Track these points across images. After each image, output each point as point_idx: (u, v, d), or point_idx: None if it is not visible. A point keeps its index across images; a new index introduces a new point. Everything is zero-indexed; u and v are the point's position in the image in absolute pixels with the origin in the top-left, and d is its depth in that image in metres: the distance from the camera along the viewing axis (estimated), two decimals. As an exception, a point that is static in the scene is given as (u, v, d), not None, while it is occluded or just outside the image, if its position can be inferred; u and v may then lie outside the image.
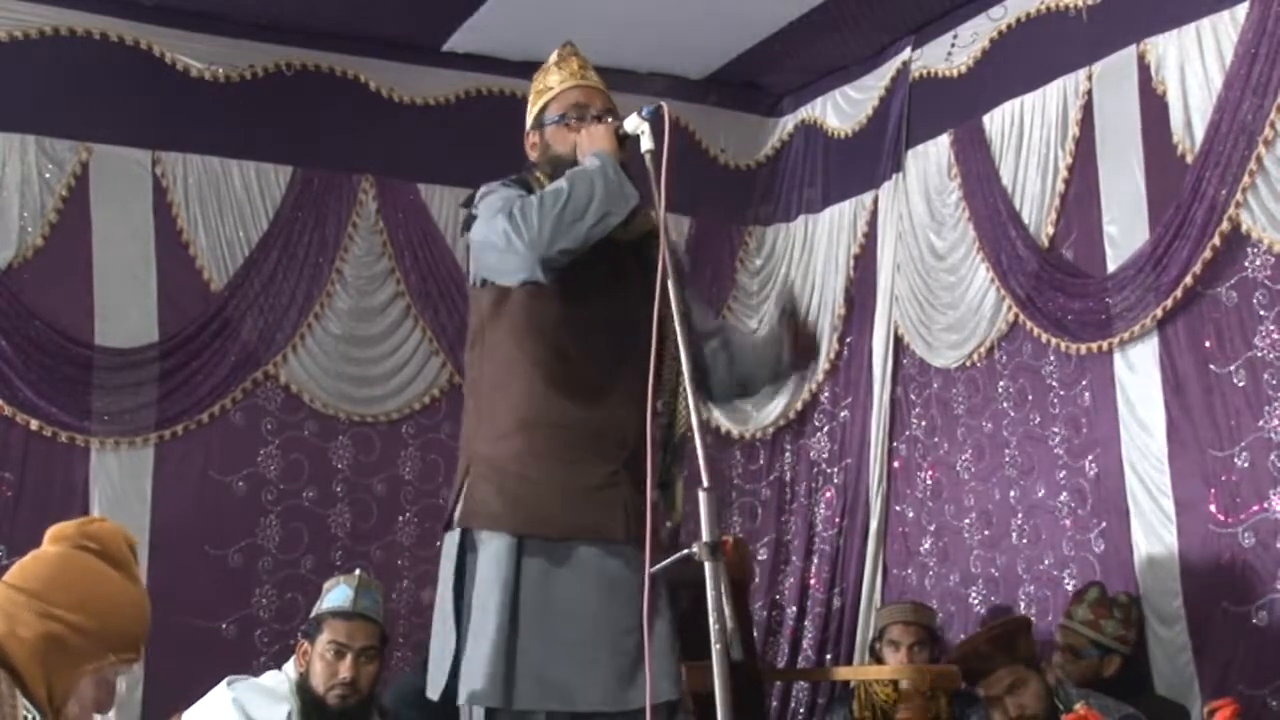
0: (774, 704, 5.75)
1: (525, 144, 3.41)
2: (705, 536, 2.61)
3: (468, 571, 3.17)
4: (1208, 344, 4.43)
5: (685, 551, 2.63)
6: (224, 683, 3.84)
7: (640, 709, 2.93)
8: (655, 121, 3.01)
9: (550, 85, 3.36)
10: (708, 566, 2.59)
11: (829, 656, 5.79)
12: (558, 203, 3.00)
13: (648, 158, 2.99)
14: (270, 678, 3.94)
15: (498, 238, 3.05)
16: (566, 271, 3.06)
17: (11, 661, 2.16)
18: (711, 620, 2.57)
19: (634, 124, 3.07)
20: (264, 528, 5.47)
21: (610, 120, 3.21)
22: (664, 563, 2.71)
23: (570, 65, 3.37)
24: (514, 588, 3.08)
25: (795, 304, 3.50)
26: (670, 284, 2.84)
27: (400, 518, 5.69)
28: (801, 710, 5.76)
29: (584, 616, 3.10)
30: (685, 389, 3.02)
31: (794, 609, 5.96)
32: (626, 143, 3.12)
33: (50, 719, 2.21)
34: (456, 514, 3.23)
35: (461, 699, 3.10)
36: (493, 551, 3.13)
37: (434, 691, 3.18)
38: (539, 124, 3.36)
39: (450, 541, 3.22)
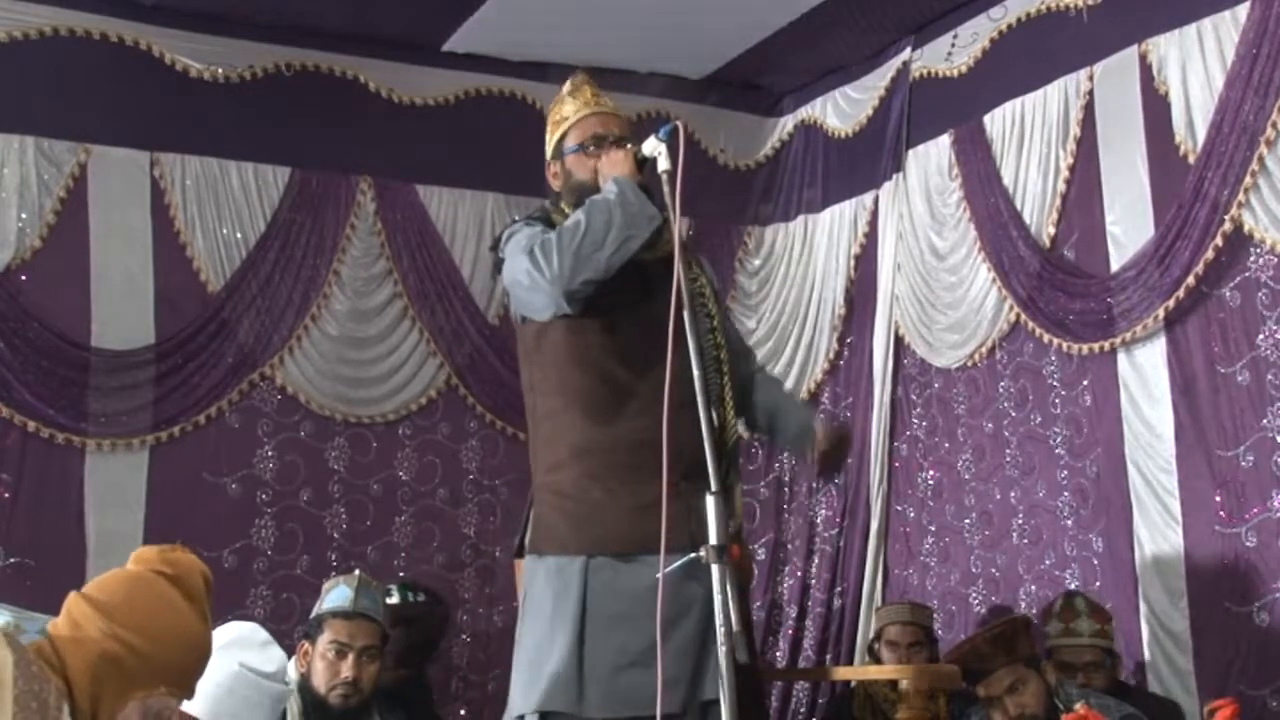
0: (775, 704, 5.74)
1: (547, 174, 3.52)
2: (712, 539, 2.63)
3: (533, 593, 3.30)
4: (1213, 344, 4.43)
5: (692, 555, 2.65)
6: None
7: (703, 701, 3.06)
8: (671, 142, 3.08)
9: (566, 115, 3.48)
10: (714, 569, 2.62)
11: (829, 656, 5.79)
12: (576, 236, 3.12)
13: (665, 178, 3.07)
14: (237, 627, 3.70)
15: (523, 276, 3.19)
16: (598, 298, 3.18)
17: (66, 669, 2.15)
18: (718, 622, 2.58)
19: (651, 146, 3.16)
20: (259, 529, 5.45)
21: (630, 146, 3.29)
22: (674, 565, 2.73)
23: (584, 94, 3.48)
24: (582, 602, 3.19)
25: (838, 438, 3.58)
26: (701, 294, 2.89)
27: (396, 519, 5.68)
28: (802, 710, 5.76)
29: (652, 624, 3.11)
30: (729, 395, 3.12)
31: (794, 609, 5.95)
32: (646, 165, 3.21)
33: None
34: (527, 541, 3.38)
35: (529, 708, 3.20)
36: (561, 570, 3.25)
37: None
38: (559, 154, 3.47)
39: (523, 568, 3.38)
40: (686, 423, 2.94)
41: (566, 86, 3.52)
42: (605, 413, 3.28)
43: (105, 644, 2.21)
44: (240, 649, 3.45)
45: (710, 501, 2.71)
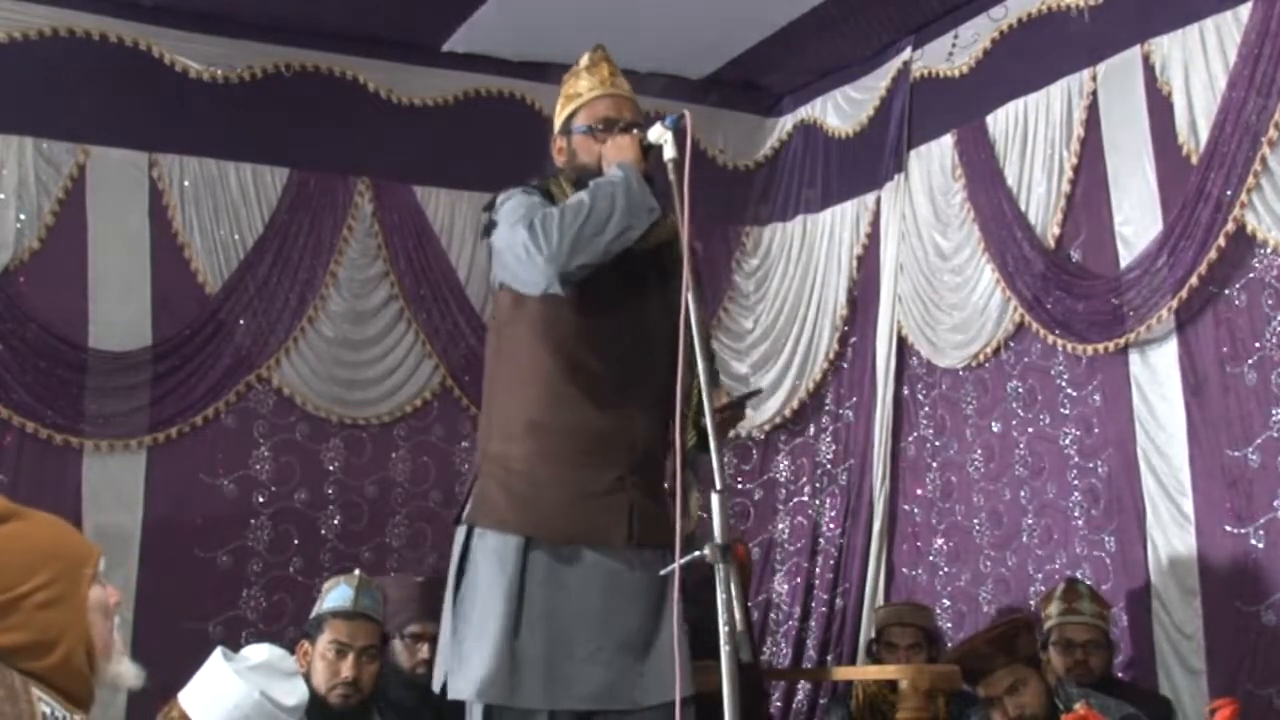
0: (777, 704, 5.73)
1: (552, 147, 3.47)
2: (717, 538, 2.61)
3: (469, 568, 3.23)
4: (1222, 344, 4.42)
5: (696, 553, 2.63)
6: (219, 656, 3.50)
7: (650, 706, 3.03)
8: (678, 131, 3.06)
9: (579, 91, 3.42)
10: (718, 569, 2.60)
11: (831, 656, 5.79)
12: (579, 217, 3.07)
13: (670, 166, 3.04)
14: (270, 650, 3.65)
15: (519, 248, 3.11)
16: (584, 281, 3.12)
17: (10, 657, 2.09)
18: (721, 622, 2.56)
19: (657, 134, 3.13)
20: (254, 530, 5.44)
21: (636, 131, 3.26)
22: (674, 564, 2.72)
23: (600, 71, 3.42)
24: (519, 587, 3.14)
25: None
26: (690, 294, 2.85)
27: (390, 520, 5.67)
28: (804, 710, 5.75)
29: (590, 617, 3.15)
30: (701, 394, 3.08)
31: (797, 609, 5.95)
32: (650, 153, 3.18)
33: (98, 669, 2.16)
34: (466, 510, 3.30)
35: (466, 695, 3.15)
36: (498, 550, 3.19)
37: (435, 683, 3.26)
38: (566, 130, 3.42)
39: (459, 537, 3.30)
40: (649, 419, 2.91)
41: (584, 60, 3.46)
42: (569, 394, 3.23)
43: (19, 610, 2.10)
44: (266, 676, 3.42)
45: (715, 500, 2.69)
